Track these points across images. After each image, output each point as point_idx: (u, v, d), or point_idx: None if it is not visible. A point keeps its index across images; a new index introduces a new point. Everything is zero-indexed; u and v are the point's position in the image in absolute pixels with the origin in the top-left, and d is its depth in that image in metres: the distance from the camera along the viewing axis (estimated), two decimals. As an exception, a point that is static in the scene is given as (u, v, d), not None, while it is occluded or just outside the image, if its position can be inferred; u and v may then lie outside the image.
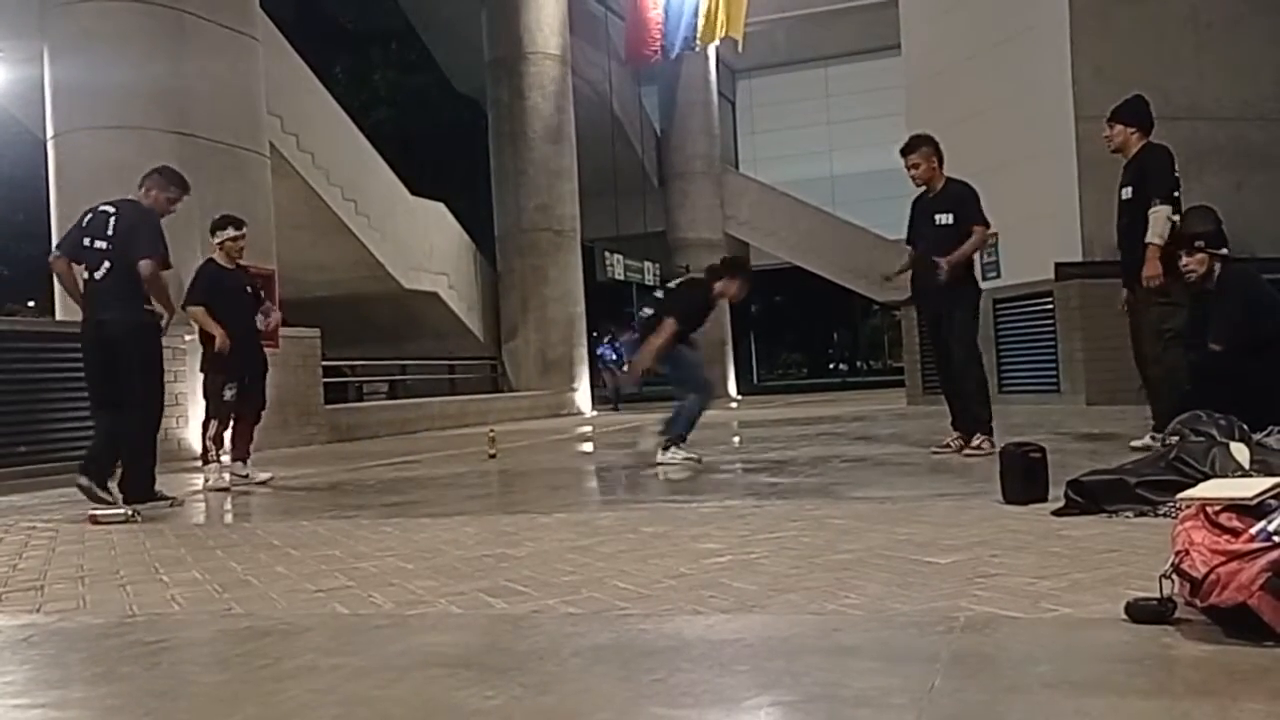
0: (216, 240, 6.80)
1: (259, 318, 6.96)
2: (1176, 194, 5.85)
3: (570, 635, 2.34)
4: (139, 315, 5.49)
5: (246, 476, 6.78)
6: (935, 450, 6.40)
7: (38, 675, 2.29)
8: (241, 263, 6.95)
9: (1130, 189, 5.98)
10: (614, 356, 21.97)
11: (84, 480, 5.39)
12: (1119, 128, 6.10)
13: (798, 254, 29.28)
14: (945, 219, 6.30)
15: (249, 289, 6.94)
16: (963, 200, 6.35)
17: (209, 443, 6.67)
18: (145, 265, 5.36)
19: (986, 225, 6.37)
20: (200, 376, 6.83)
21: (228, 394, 6.62)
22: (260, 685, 2.08)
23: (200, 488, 6.58)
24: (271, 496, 6.23)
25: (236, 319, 6.65)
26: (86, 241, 5.50)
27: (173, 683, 2.14)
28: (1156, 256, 5.67)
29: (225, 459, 6.76)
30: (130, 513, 5.14)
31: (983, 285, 12.87)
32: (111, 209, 5.54)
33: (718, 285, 6.82)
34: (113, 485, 5.49)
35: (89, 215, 5.60)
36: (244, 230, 6.83)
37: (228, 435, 6.81)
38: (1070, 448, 6.08)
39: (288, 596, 2.95)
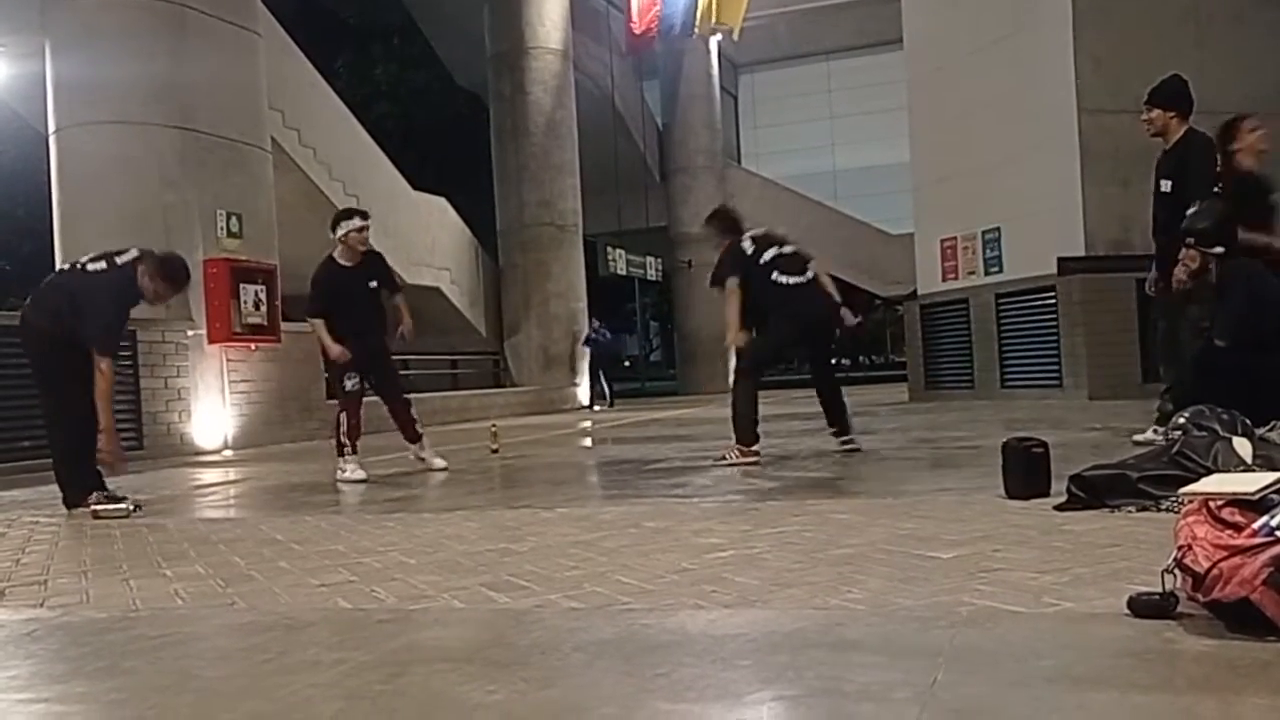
0: (340, 233, 6.50)
1: (400, 330, 6.75)
2: (1216, 188, 5.68)
3: (573, 630, 2.34)
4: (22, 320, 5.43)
5: (424, 459, 6.73)
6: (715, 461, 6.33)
7: (41, 670, 2.29)
8: (366, 248, 6.64)
9: (1170, 183, 5.79)
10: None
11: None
12: (1157, 111, 5.88)
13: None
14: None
15: (372, 282, 6.62)
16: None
17: (342, 437, 6.53)
18: (101, 363, 5.10)
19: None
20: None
21: (348, 384, 6.52)
22: (263, 680, 2.08)
23: (336, 479, 6.45)
24: (274, 491, 6.23)
25: (357, 317, 6.52)
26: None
27: (176, 677, 2.14)
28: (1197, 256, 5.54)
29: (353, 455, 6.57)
30: (131, 508, 5.15)
31: (985, 280, 12.88)
32: (99, 266, 5.27)
33: (1239, 143, 5.73)
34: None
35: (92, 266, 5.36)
36: (368, 221, 6.58)
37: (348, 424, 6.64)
38: (1072, 442, 6.08)
39: (291, 591, 2.96)
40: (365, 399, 6.75)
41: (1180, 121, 5.85)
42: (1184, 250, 5.29)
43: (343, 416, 6.57)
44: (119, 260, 5.29)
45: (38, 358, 5.37)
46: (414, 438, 6.89)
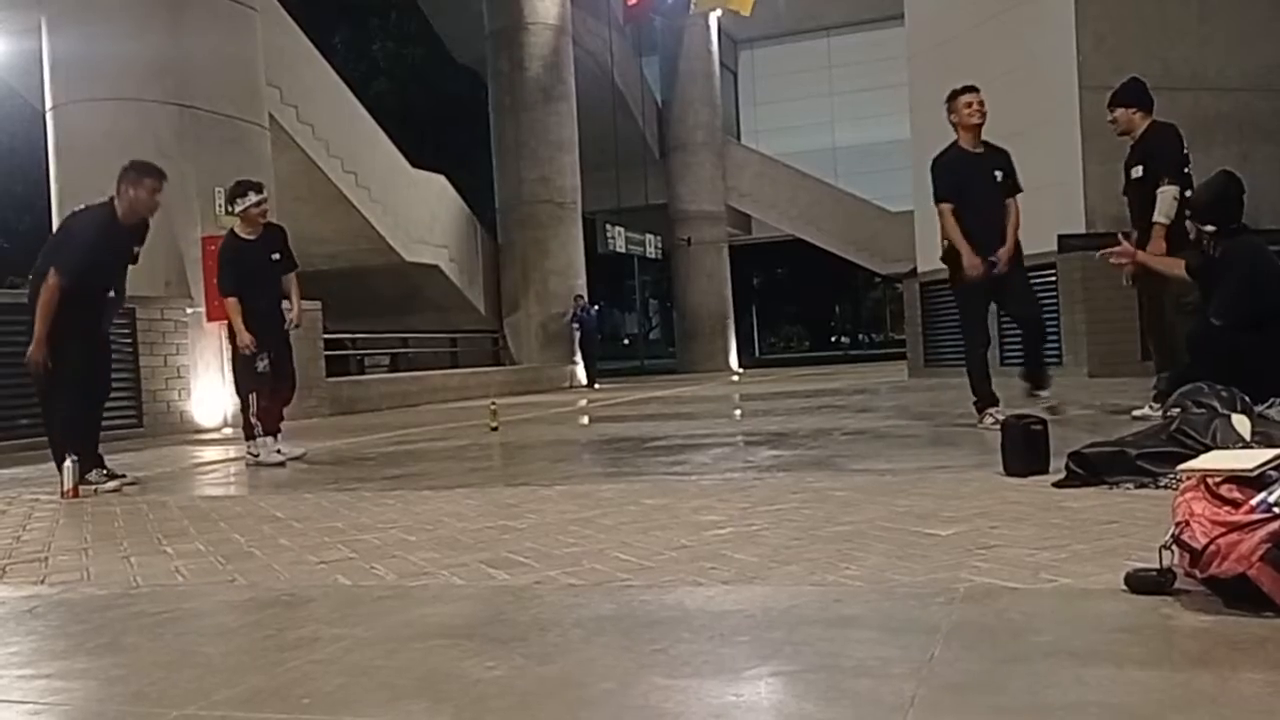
0: (238, 209, 6.43)
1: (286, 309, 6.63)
2: (1186, 170, 5.93)
3: (572, 606, 2.35)
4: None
5: (279, 451, 6.52)
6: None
7: (42, 646, 2.30)
8: (268, 221, 6.54)
9: (1140, 168, 6.05)
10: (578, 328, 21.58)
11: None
12: (1120, 110, 6.18)
13: (800, 226, 29.21)
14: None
15: (275, 256, 6.52)
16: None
17: (252, 418, 6.42)
18: (50, 275, 5.20)
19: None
20: (229, 351, 6.62)
21: (260, 365, 6.37)
22: (264, 656, 2.09)
23: (248, 463, 6.42)
24: (274, 470, 6.24)
25: (264, 293, 6.44)
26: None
27: (176, 653, 2.15)
28: (1162, 235, 5.75)
29: (264, 436, 6.47)
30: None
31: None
32: (79, 207, 5.54)
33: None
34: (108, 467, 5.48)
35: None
36: (265, 194, 6.49)
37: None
38: (1071, 419, 6.08)
39: (291, 568, 2.97)
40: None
41: (1144, 116, 6.12)
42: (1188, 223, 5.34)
43: (252, 398, 6.43)
44: (98, 201, 5.52)
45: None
46: (276, 429, 6.56)
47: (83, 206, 5.57)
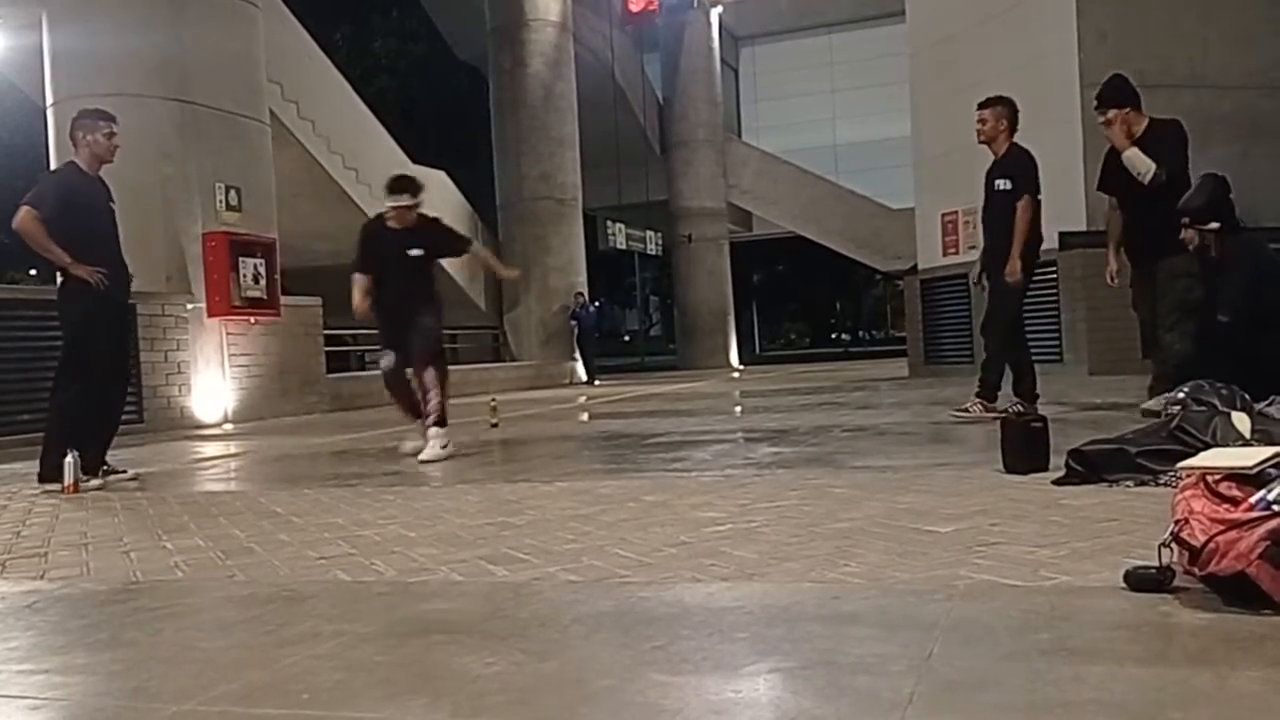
0: (388, 203, 6.19)
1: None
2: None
3: (571, 603, 2.35)
4: (63, 281, 5.27)
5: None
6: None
7: (41, 641, 2.30)
8: (426, 213, 6.30)
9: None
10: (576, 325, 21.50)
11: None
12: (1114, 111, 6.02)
13: (800, 223, 29.18)
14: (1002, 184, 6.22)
15: (413, 251, 6.17)
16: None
17: (445, 405, 6.08)
18: (19, 211, 5.17)
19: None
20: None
21: (383, 362, 6.24)
22: (263, 651, 2.09)
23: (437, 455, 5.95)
24: (274, 464, 6.24)
25: (391, 283, 6.14)
26: None
27: (176, 648, 2.15)
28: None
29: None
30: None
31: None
32: None
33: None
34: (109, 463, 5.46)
35: None
36: (413, 202, 6.13)
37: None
38: (1072, 417, 6.08)
39: (290, 564, 2.97)
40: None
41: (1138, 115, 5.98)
42: (1183, 230, 5.30)
43: (445, 384, 6.15)
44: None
45: (65, 314, 5.32)
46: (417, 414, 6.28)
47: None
